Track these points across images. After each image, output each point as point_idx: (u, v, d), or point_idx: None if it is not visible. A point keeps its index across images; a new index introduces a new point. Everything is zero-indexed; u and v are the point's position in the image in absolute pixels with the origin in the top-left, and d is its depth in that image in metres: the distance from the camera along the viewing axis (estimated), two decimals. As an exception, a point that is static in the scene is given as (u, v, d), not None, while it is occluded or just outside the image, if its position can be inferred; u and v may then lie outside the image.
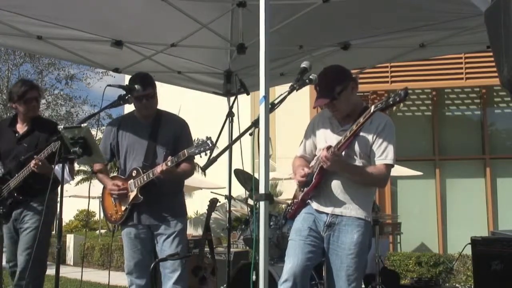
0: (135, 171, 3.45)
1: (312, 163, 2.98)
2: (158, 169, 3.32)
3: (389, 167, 2.81)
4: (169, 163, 3.29)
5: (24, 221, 3.80)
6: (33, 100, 3.90)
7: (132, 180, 3.45)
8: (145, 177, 3.38)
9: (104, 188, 3.64)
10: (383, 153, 2.79)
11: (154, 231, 3.48)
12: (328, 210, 2.86)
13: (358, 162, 2.84)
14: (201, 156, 3.27)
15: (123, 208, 3.49)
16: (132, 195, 3.44)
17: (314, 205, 2.92)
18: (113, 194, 3.50)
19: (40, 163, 3.62)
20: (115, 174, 3.79)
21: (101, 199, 3.67)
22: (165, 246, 3.41)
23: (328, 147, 2.77)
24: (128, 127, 3.60)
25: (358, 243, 2.78)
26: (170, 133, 3.54)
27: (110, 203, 3.57)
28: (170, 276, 3.39)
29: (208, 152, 3.20)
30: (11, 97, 3.93)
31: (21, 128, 3.96)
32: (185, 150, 3.26)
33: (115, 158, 3.72)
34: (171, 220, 3.47)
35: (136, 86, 3.34)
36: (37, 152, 3.69)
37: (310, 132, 3.07)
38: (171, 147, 3.48)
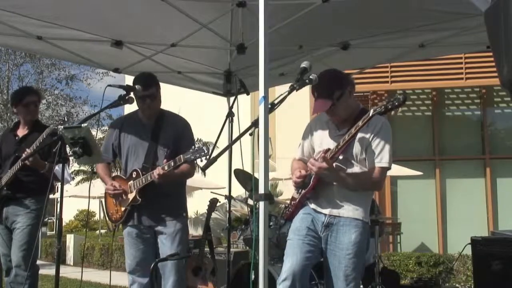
0: (135, 173, 3.46)
1: None
2: (155, 173, 3.32)
3: (384, 170, 2.79)
4: (166, 167, 3.29)
5: (16, 220, 3.85)
6: (31, 104, 4.02)
7: (131, 182, 3.45)
8: (143, 179, 3.38)
9: None
10: (379, 155, 2.77)
11: (155, 231, 3.49)
12: (326, 211, 2.86)
13: (356, 165, 2.83)
14: (196, 162, 3.28)
15: (122, 208, 3.50)
16: (131, 196, 3.45)
17: (312, 205, 2.93)
18: (109, 194, 3.52)
19: (31, 156, 3.66)
20: (116, 173, 3.80)
21: (104, 198, 3.68)
22: (166, 246, 3.42)
23: (327, 150, 2.76)
24: (130, 127, 3.60)
25: (356, 243, 2.78)
26: (171, 134, 3.53)
27: (111, 202, 3.59)
28: (169, 276, 3.39)
29: (203, 158, 3.20)
30: (11, 101, 4.09)
31: (21, 131, 4.06)
32: (181, 156, 3.26)
33: (117, 158, 3.73)
34: (170, 221, 3.47)
35: (136, 86, 3.35)
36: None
37: (308, 134, 3.07)
38: (172, 148, 3.47)
